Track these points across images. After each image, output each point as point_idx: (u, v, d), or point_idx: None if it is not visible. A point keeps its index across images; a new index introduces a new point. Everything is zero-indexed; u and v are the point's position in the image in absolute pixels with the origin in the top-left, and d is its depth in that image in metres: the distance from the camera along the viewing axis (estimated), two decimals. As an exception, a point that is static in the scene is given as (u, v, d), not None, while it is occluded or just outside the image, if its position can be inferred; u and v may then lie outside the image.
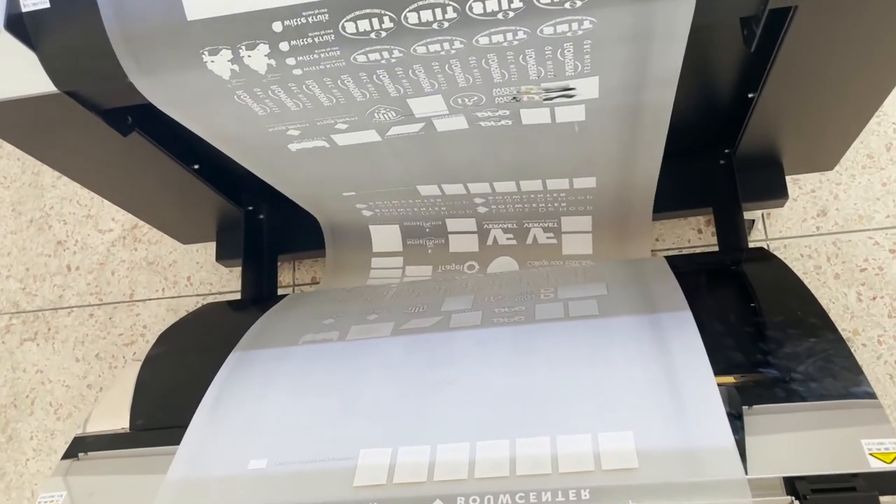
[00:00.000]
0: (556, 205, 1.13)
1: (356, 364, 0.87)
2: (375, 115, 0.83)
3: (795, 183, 1.31)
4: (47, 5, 0.67)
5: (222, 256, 1.32)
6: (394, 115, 0.84)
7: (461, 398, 0.79)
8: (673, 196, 1.20)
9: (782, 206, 1.23)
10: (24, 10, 0.68)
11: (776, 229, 1.29)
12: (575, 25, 0.68)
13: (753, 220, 1.28)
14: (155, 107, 0.80)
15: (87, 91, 0.74)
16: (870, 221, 1.26)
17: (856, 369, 0.75)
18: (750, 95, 0.97)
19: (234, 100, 0.77)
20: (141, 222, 1.51)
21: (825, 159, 1.18)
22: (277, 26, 0.69)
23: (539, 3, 0.66)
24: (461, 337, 0.86)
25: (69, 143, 0.90)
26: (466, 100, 0.81)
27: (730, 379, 0.76)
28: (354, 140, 0.90)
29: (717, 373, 0.76)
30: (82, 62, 0.70)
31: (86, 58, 0.70)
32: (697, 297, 0.88)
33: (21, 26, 0.68)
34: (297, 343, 0.94)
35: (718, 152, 1.16)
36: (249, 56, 0.71)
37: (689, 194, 1.20)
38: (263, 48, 0.71)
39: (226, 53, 0.71)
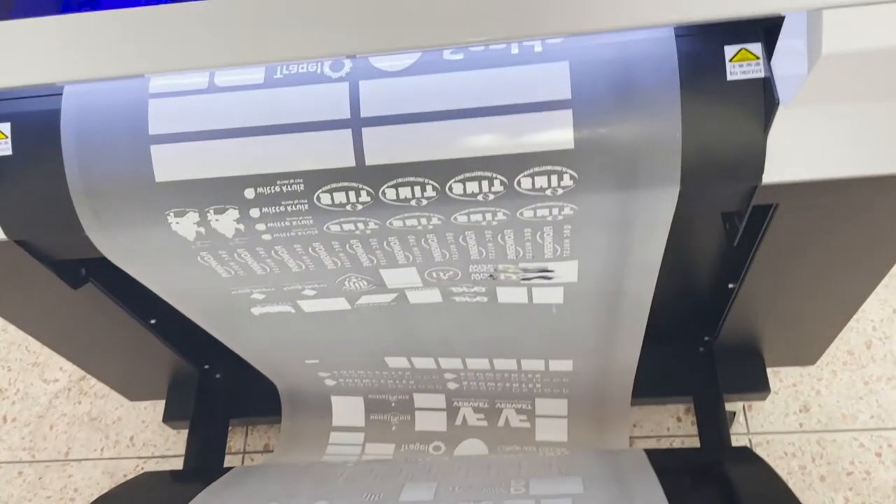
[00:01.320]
0: (530, 385, 1.07)
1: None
2: (346, 283, 0.79)
3: (776, 375, 1.27)
4: (10, 153, 0.64)
5: (170, 417, 1.23)
6: (365, 284, 0.80)
7: None
8: (652, 382, 1.15)
9: (764, 399, 1.19)
10: (-20, 153, 0.65)
11: (758, 423, 1.24)
12: (556, 210, 0.66)
13: (734, 413, 1.23)
14: (110, 264, 0.76)
15: (38, 241, 0.70)
16: (854, 421, 1.22)
17: None
18: (731, 286, 0.95)
19: (196, 261, 0.73)
20: (88, 375, 1.43)
21: (807, 354, 1.15)
22: (250, 193, 0.66)
23: (520, 188, 0.64)
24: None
25: (16, 291, 0.84)
26: (442, 274, 0.78)
27: None
28: (322, 307, 0.85)
29: None
30: (37, 212, 0.67)
31: (41, 208, 0.66)
32: (679, 501, 0.81)
33: (-22, 171, 0.65)
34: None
35: (698, 340, 1.13)
36: (217, 220, 0.68)
37: (668, 381, 1.16)
38: (233, 213, 0.68)
39: (192, 216, 0.68)
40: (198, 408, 1.20)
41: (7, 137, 0.65)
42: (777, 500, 0.85)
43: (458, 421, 1.13)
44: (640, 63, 0.60)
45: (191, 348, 1.13)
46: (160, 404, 1.31)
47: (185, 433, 1.28)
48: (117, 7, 0.50)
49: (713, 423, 1.10)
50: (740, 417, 1.24)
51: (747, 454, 1.02)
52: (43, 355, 1.46)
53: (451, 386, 1.09)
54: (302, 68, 0.64)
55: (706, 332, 1.11)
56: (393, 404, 1.14)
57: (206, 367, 1.19)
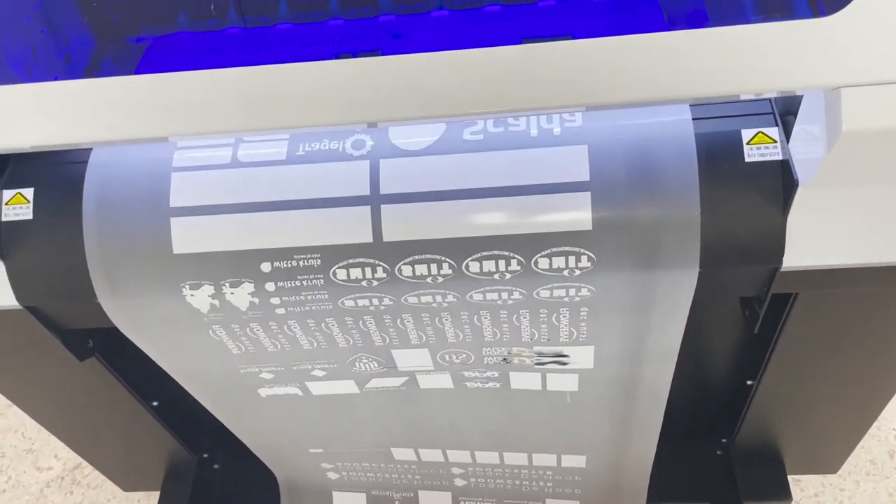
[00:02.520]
0: (541, 483, 1.03)
1: None
2: (356, 363, 0.78)
3: (797, 484, 1.22)
4: (30, 216, 0.65)
5: (165, 506, 1.18)
6: (376, 365, 0.78)
7: None
8: (668, 486, 1.11)
9: (787, 506, 1.13)
10: (3, 219, 0.65)
11: (779, 535, 1.18)
12: (573, 291, 0.65)
13: (753, 522, 1.17)
14: (119, 335, 0.74)
15: (48, 308, 0.69)
16: (880, 535, 1.16)
17: None
18: (749, 383, 0.93)
19: (208, 334, 0.72)
20: (84, 463, 1.38)
21: (828, 460, 1.11)
22: (266, 267, 0.66)
23: (536, 268, 0.64)
24: None
25: (19, 364, 0.83)
26: (454, 357, 0.76)
27: None
28: (331, 390, 0.83)
29: None
30: (52, 278, 0.66)
31: (56, 274, 0.66)
32: None
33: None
34: None
35: (716, 442, 1.09)
36: (232, 293, 0.68)
37: (684, 485, 1.11)
38: (248, 286, 0.67)
39: (207, 289, 0.67)
40: (194, 500, 1.15)
41: (29, 202, 0.65)
42: None
43: (465, 522, 1.08)
44: (658, 146, 0.61)
45: (191, 435, 1.09)
46: (153, 497, 1.26)
47: (178, 528, 1.23)
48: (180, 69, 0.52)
49: (733, 532, 1.04)
50: (760, 528, 1.18)
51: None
52: (38, 442, 1.42)
53: (459, 483, 1.05)
54: (324, 146, 0.66)
55: (724, 433, 1.08)
56: (396, 502, 1.09)
57: (205, 455, 1.15)
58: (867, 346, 0.83)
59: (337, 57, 0.54)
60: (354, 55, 0.54)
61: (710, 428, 1.07)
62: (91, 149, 0.67)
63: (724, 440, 1.08)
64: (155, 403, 0.99)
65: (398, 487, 1.07)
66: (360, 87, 0.52)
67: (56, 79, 0.57)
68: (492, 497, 1.06)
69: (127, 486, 1.22)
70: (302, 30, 0.65)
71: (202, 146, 0.66)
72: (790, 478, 1.21)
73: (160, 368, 0.86)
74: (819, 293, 0.73)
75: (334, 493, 1.10)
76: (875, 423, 1.26)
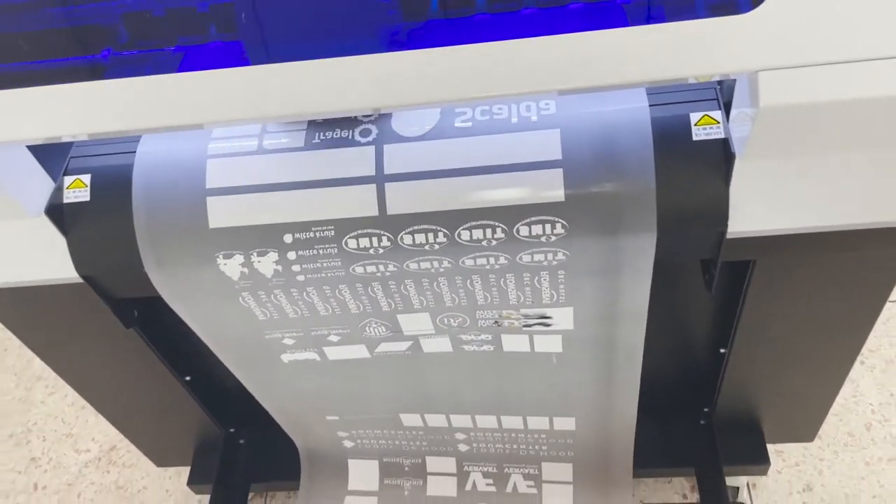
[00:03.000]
0: (536, 447, 1.13)
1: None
2: (367, 328, 0.89)
3: (779, 455, 1.31)
4: (87, 199, 0.77)
5: (195, 481, 1.29)
6: (384, 330, 0.89)
7: None
8: (654, 454, 1.20)
9: (765, 473, 1.22)
10: (65, 201, 0.77)
11: (762, 501, 1.26)
12: (550, 255, 0.76)
13: (738, 488, 1.26)
14: (157, 310, 0.86)
15: (102, 278, 0.81)
16: (856, 501, 1.24)
17: None
18: (722, 351, 1.02)
19: (238, 301, 0.83)
20: (118, 445, 1.49)
21: (804, 429, 1.20)
22: (288, 238, 0.77)
23: (518, 235, 0.75)
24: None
25: (70, 336, 0.94)
26: (452, 320, 0.87)
27: None
28: (345, 355, 0.94)
29: None
30: (106, 251, 0.78)
31: (110, 248, 0.78)
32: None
33: (59, 214, 0.76)
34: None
35: (698, 412, 1.18)
36: (259, 262, 0.79)
37: (669, 452, 1.21)
38: (273, 255, 0.78)
39: (238, 258, 0.79)
40: (221, 472, 1.26)
41: (87, 186, 0.77)
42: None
43: (468, 486, 1.18)
44: (620, 128, 0.72)
45: (219, 410, 1.20)
46: (184, 475, 1.37)
47: (206, 499, 1.34)
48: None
49: (714, 496, 1.14)
50: (745, 495, 1.27)
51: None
52: (77, 427, 1.54)
53: (462, 448, 1.15)
54: (336, 134, 0.77)
55: (706, 403, 1.17)
56: (406, 468, 1.19)
57: (231, 430, 1.26)
58: (824, 311, 0.93)
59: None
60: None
61: (692, 398, 1.17)
62: (138, 140, 0.79)
63: (706, 409, 1.17)
64: (188, 378, 1.10)
65: (407, 454, 1.17)
66: (365, 79, 0.63)
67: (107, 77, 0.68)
68: (493, 461, 1.16)
69: (160, 461, 1.33)
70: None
71: (232, 137, 0.78)
72: (774, 448, 1.30)
73: (193, 345, 0.98)
74: (773, 260, 0.83)
75: (349, 461, 1.20)
76: (853, 398, 1.36)
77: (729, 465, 1.18)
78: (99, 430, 1.52)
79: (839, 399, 1.35)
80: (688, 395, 1.16)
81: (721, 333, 1.02)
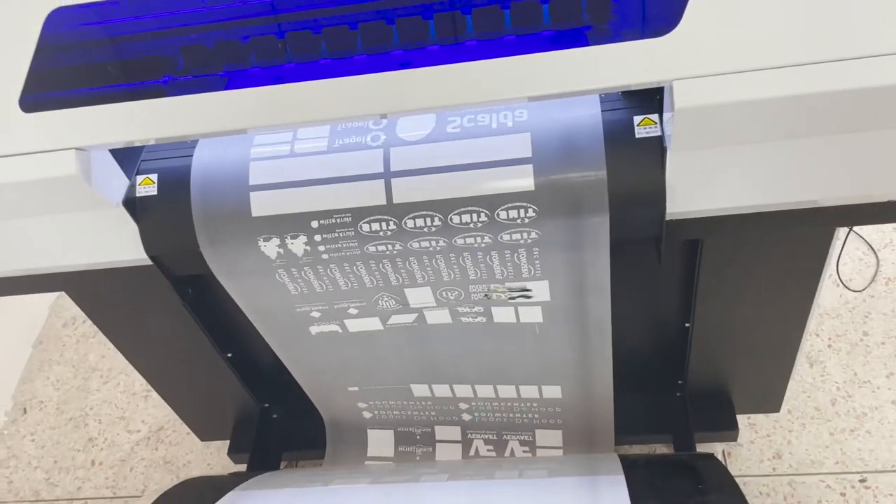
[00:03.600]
0: (530, 416, 1.30)
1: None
2: (380, 302, 1.07)
3: (752, 428, 1.46)
4: (155, 193, 0.96)
5: (234, 451, 1.47)
6: (394, 303, 1.07)
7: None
8: (636, 423, 1.37)
9: (735, 439, 1.37)
10: (137, 195, 0.96)
11: (736, 467, 1.41)
12: (525, 234, 0.93)
13: (712, 454, 1.41)
14: (206, 293, 1.05)
15: (166, 258, 1.00)
16: (821, 466, 1.39)
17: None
18: (686, 325, 1.19)
19: (275, 277, 1.02)
20: (165, 426, 1.69)
21: (770, 399, 1.35)
22: (315, 223, 0.96)
23: (499, 218, 0.93)
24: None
25: (136, 314, 1.14)
26: (449, 294, 1.05)
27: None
28: (362, 327, 1.12)
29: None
30: (170, 235, 0.97)
31: (173, 232, 0.97)
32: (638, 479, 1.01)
33: (133, 206, 0.96)
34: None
35: (674, 384, 1.34)
36: (292, 243, 0.98)
37: (648, 422, 1.36)
38: (303, 238, 0.97)
39: (275, 241, 0.97)
40: (257, 443, 1.44)
41: (154, 183, 0.97)
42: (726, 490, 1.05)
43: (472, 452, 1.35)
44: (577, 130, 0.90)
45: (256, 385, 1.39)
46: (223, 451, 1.56)
47: (243, 468, 1.52)
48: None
49: (685, 448, 1.29)
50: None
51: (709, 456, 1.19)
52: (129, 410, 1.73)
53: (466, 417, 1.32)
54: (351, 140, 0.96)
55: (679, 375, 1.33)
56: (418, 437, 1.36)
57: (266, 405, 1.44)
58: (769, 286, 1.09)
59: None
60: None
61: (668, 371, 1.33)
62: (195, 145, 0.98)
63: (680, 382, 1.33)
64: (229, 355, 1.29)
65: (418, 423, 1.34)
66: (378, 91, 0.82)
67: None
68: (493, 429, 1.33)
69: (203, 435, 1.52)
70: (338, 63, 0.95)
71: (269, 143, 0.97)
72: (748, 421, 1.45)
73: (234, 324, 1.17)
74: (717, 240, 1.00)
75: (368, 431, 1.38)
76: (821, 377, 1.51)
77: (701, 433, 1.33)
78: (148, 414, 1.72)
79: (808, 377, 1.50)
80: (664, 368, 1.32)
81: (686, 310, 1.18)
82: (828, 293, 1.61)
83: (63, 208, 0.92)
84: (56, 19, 0.93)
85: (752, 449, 1.43)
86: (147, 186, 0.97)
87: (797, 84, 0.74)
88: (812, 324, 1.49)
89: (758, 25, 0.75)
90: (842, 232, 1.24)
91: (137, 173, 0.98)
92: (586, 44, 0.80)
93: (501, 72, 0.81)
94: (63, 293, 1.88)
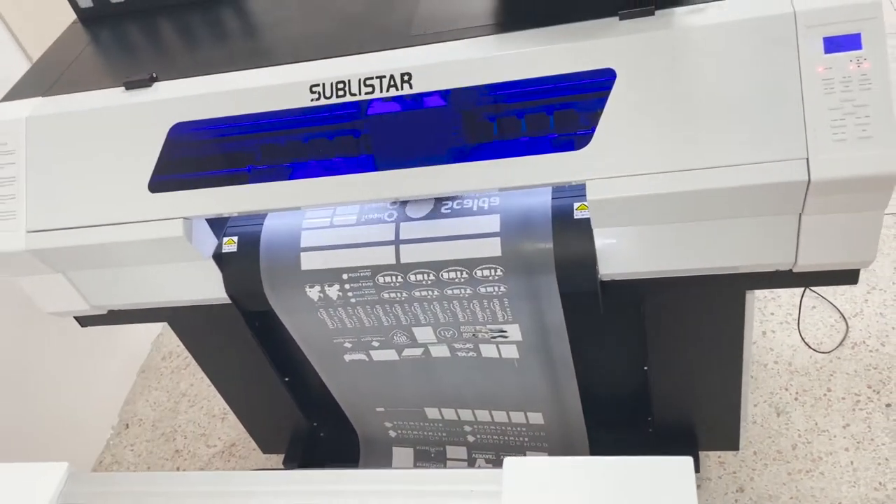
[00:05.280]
0: (521, 439, 1.59)
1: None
2: (394, 337, 1.41)
3: (721, 465, 1.70)
4: (235, 250, 1.35)
5: (288, 461, 1.82)
6: (405, 339, 1.41)
7: None
8: (611, 454, 1.63)
9: (697, 471, 1.62)
10: (223, 251, 1.35)
11: (703, 499, 1.65)
12: (496, 288, 1.26)
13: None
14: (269, 329, 1.42)
15: (241, 298, 1.38)
16: (777, 500, 1.61)
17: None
18: (645, 368, 1.47)
19: (317, 315, 1.38)
20: (238, 441, 2.05)
21: (726, 438, 1.60)
22: (345, 276, 1.32)
23: (476, 276, 1.26)
24: None
25: (215, 343, 1.52)
26: (445, 332, 1.38)
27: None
28: (383, 357, 1.46)
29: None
30: (243, 281, 1.35)
31: (246, 279, 1.35)
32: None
33: (219, 259, 1.34)
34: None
35: (644, 420, 1.61)
36: (329, 290, 1.34)
37: (624, 454, 1.62)
38: (336, 286, 1.33)
39: (317, 287, 1.34)
40: (305, 456, 1.78)
41: (235, 243, 1.35)
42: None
43: (476, 469, 1.64)
44: (534, 212, 1.23)
45: (307, 407, 1.74)
46: (280, 462, 1.90)
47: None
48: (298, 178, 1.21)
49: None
50: (690, 492, 1.66)
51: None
52: (209, 429, 2.11)
53: (470, 438, 1.62)
54: (373, 216, 1.32)
55: (647, 413, 1.60)
56: (432, 455, 1.67)
57: (315, 424, 1.79)
58: (703, 336, 1.37)
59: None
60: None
61: (639, 410, 1.60)
62: (264, 217, 1.37)
63: (649, 419, 1.60)
64: (287, 379, 1.65)
65: (432, 443, 1.65)
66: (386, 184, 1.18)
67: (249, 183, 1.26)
68: (493, 450, 1.63)
69: (266, 448, 1.87)
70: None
71: (315, 218, 1.34)
72: (717, 459, 1.69)
73: (289, 354, 1.53)
74: (654, 296, 1.30)
75: (393, 448, 1.69)
76: (785, 426, 1.74)
77: (667, 463, 1.58)
78: (224, 432, 2.09)
79: (774, 425, 1.74)
80: (635, 406, 1.59)
81: (644, 355, 1.47)
82: (799, 354, 1.85)
83: (171, 259, 1.31)
84: (176, 129, 1.34)
85: (718, 483, 1.67)
86: (230, 245, 1.36)
87: (665, 185, 1.05)
88: (783, 378, 1.74)
89: (641, 146, 1.08)
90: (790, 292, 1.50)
91: (223, 235, 1.37)
92: (536, 153, 1.14)
93: (483, 170, 1.15)
94: (163, 333, 2.31)
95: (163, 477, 1.05)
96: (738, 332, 1.36)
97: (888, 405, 1.70)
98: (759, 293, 1.99)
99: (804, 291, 1.92)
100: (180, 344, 2.28)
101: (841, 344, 1.84)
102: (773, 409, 1.76)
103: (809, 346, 1.85)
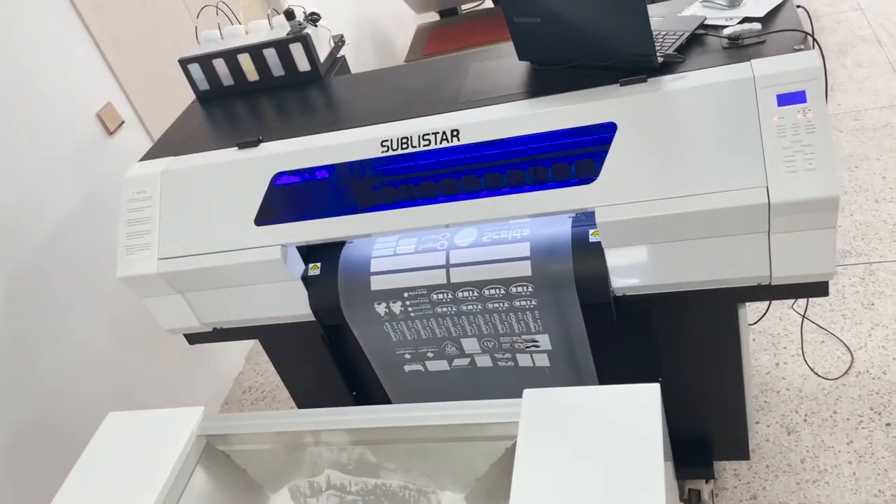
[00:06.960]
0: (554, 445, 1.83)
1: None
2: (446, 348, 1.70)
3: (736, 476, 1.89)
4: (319, 273, 1.67)
5: (353, 471, 2.08)
6: (455, 350, 1.70)
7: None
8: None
9: (713, 476, 1.82)
10: (308, 274, 1.68)
11: (720, 505, 1.85)
12: (528, 301, 1.55)
13: (699, 490, 1.86)
14: (341, 346, 1.72)
15: (322, 313, 1.69)
16: (787, 506, 1.80)
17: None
18: (660, 380, 1.71)
19: (383, 328, 1.68)
20: (309, 462, 2.33)
21: (738, 449, 1.81)
22: (405, 294, 1.63)
23: (511, 291, 1.55)
24: None
25: (296, 355, 1.83)
26: (488, 343, 1.66)
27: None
28: (436, 367, 1.75)
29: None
30: (325, 299, 1.67)
31: (326, 297, 1.67)
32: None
33: (306, 280, 1.67)
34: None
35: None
36: (393, 306, 1.64)
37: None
38: (399, 303, 1.64)
39: (383, 304, 1.65)
40: (369, 466, 2.05)
41: (318, 267, 1.68)
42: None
43: (516, 474, 1.88)
44: (558, 237, 1.53)
45: (370, 421, 2.01)
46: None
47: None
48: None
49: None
50: (707, 499, 1.86)
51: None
52: (283, 451, 2.40)
53: (511, 446, 1.87)
54: (428, 245, 1.63)
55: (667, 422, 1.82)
56: (479, 462, 1.92)
57: (377, 437, 2.06)
58: (703, 351, 1.62)
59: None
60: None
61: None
62: (343, 244, 1.70)
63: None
64: (354, 393, 1.94)
65: (478, 451, 1.90)
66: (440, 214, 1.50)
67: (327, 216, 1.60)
68: (530, 457, 1.87)
69: (333, 461, 2.14)
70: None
71: (382, 248, 1.67)
72: (733, 470, 1.90)
73: (357, 371, 1.83)
74: (660, 309, 1.56)
75: (444, 457, 1.95)
76: (795, 443, 1.94)
77: (683, 469, 1.80)
78: (296, 454, 2.37)
79: (784, 442, 1.94)
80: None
81: (657, 366, 1.71)
82: (808, 382, 2.05)
83: (269, 279, 1.64)
84: (276, 177, 1.70)
85: (734, 492, 1.87)
86: (314, 269, 1.69)
87: (657, 209, 1.34)
88: (793, 403, 1.96)
89: (638, 179, 1.38)
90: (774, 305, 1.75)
91: (309, 261, 1.70)
92: (556, 187, 1.46)
93: (516, 201, 1.46)
94: (243, 371, 2.65)
95: (284, 414, 1.38)
96: (736, 345, 1.60)
97: (888, 424, 1.89)
98: (771, 329, 2.21)
99: (803, 322, 2.14)
100: (258, 379, 2.62)
101: (846, 372, 2.04)
102: (783, 429, 1.96)
103: (818, 375, 2.05)
